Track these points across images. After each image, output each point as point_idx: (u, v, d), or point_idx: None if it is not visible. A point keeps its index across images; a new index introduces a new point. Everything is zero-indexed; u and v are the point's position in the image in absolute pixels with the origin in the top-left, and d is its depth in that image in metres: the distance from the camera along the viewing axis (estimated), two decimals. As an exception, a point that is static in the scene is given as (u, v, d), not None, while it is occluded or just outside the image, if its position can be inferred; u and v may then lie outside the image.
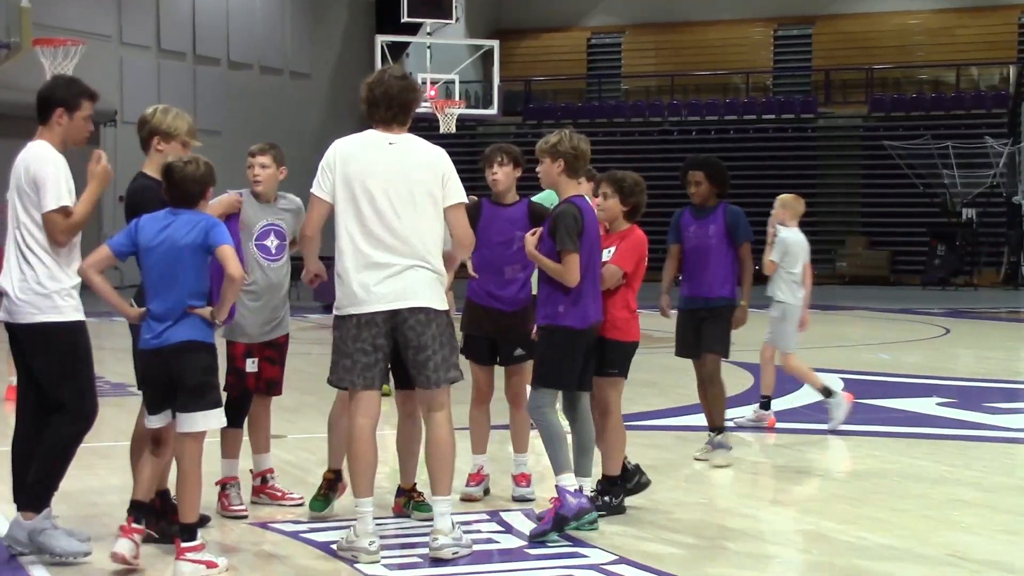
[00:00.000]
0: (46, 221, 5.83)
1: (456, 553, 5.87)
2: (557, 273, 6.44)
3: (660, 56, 39.84)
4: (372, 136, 6.03)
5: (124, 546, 5.66)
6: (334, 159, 5.97)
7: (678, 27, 39.58)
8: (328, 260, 6.72)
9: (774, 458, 8.75)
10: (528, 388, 6.92)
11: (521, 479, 7.28)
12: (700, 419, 8.75)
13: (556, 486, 6.37)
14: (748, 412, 10.01)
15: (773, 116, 36.85)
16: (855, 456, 8.81)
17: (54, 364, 5.87)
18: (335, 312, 6.03)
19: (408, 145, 6.02)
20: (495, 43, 23.59)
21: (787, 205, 10.12)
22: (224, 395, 6.88)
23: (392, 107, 5.99)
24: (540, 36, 40.79)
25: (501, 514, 6.86)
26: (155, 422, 5.87)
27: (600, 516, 6.48)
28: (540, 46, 40.64)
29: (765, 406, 10.01)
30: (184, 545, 5.68)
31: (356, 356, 5.93)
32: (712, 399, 8.43)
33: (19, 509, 5.92)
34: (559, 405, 6.79)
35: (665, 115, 37.69)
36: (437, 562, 5.84)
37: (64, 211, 5.83)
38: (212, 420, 5.84)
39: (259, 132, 22.35)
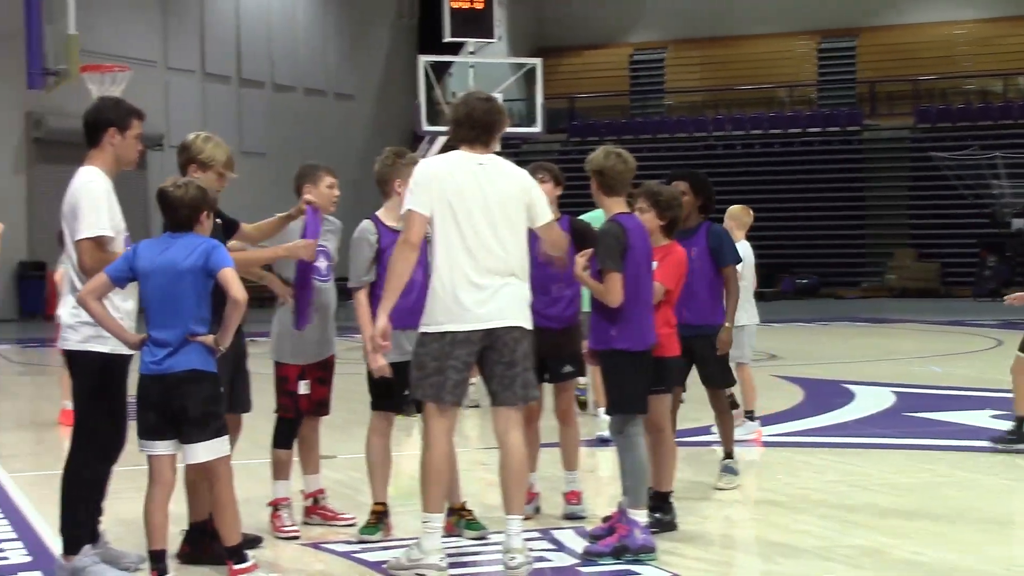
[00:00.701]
0: (76, 248, 5.74)
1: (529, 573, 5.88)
2: (599, 292, 6.41)
3: (703, 71, 39.81)
4: (461, 156, 6.06)
5: None
6: (427, 177, 5.98)
7: (721, 41, 39.54)
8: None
9: (825, 473, 8.67)
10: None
11: (572, 496, 7.26)
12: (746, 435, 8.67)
13: (628, 517, 6.32)
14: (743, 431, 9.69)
15: (818, 129, 36.72)
16: (909, 470, 8.72)
17: (89, 392, 5.82)
18: (425, 328, 6.00)
19: (497, 166, 6.07)
20: (538, 61, 23.51)
21: (733, 216, 9.88)
22: (276, 416, 6.95)
23: (475, 128, 6.04)
24: (582, 53, 40.86)
25: (552, 532, 6.84)
26: (160, 448, 5.64)
27: (653, 533, 6.44)
28: (582, 63, 40.71)
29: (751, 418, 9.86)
30: (236, 567, 5.69)
31: (448, 372, 5.93)
32: (723, 426, 8.25)
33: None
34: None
35: (709, 130, 37.63)
36: None
37: (98, 241, 5.73)
38: (214, 450, 5.65)
39: (304, 154, 22.50)
